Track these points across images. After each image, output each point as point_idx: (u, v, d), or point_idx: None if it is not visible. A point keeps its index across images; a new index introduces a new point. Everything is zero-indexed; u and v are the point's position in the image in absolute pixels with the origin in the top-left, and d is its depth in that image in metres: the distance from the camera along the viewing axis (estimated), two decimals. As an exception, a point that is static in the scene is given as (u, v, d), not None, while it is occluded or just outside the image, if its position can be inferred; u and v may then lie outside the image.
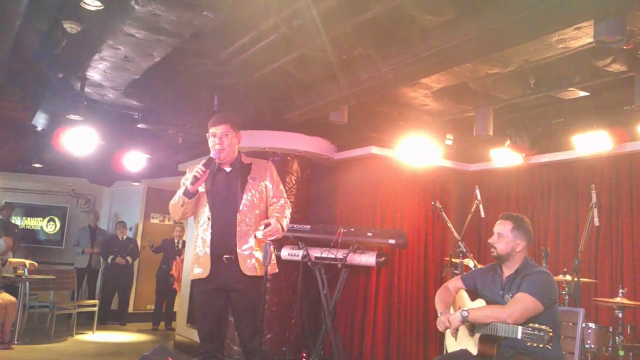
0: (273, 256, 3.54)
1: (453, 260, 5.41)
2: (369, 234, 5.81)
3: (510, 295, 3.28)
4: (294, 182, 6.58)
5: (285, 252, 6.10)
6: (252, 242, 3.48)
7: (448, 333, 3.47)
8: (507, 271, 3.43)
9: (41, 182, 10.99)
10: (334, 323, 5.88)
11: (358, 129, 6.30)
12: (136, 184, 10.03)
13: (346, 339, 6.40)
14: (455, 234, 5.21)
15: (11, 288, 7.36)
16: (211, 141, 3.56)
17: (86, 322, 8.49)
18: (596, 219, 4.83)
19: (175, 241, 9.38)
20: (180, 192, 3.49)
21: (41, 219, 11.25)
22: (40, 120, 5.99)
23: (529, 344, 2.94)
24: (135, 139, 7.13)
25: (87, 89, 5.62)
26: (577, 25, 3.57)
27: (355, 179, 6.78)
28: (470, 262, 5.08)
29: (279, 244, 5.99)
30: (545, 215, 6.50)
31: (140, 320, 9.77)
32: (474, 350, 3.22)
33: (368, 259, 5.80)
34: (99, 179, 10.24)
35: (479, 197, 5.39)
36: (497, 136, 5.68)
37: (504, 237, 3.41)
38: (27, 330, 7.66)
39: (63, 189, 11.23)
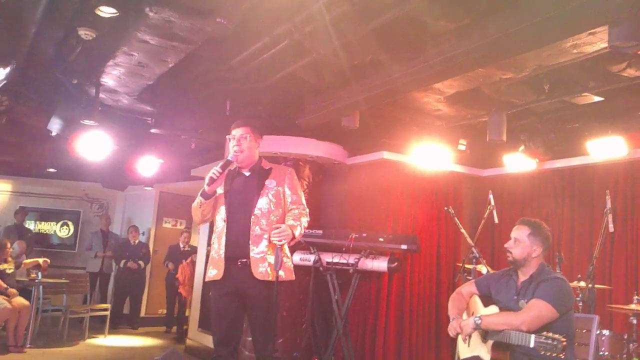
0: (290, 263, 3.55)
1: (466, 266, 5.37)
2: (381, 239, 5.80)
3: (525, 300, 3.25)
4: (305, 187, 6.57)
5: (297, 257, 6.10)
6: (265, 246, 3.48)
7: (460, 339, 3.46)
8: (522, 277, 3.41)
9: (55, 186, 11.09)
10: (345, 328, 5.87)
11: (370, 134, 6.28)
12: (149, 188, 10.06)
13: (358, 345, 6.38)
14: (469, 240, 5.18)
15: (24, 292, 7.42)
16: (231, 143, 3.60)
17: (98, 326, 8.53)
18: (611, 225, 4.78)
19: (181, 245, 9.38)
20: (199, 193, 3.56)
21: (55, 223, 11.36)
22: (54, 126, 6.04)
23: (542, 352, 2.91)
24: (148, 144, 7.17)
25: (101, 95, 5.67)
26: (592, 31, 3.53)
27: (367, 184, 6.77)
28: (483, 268, 5.06)
29: (291, 249, 5.99)
30: (559, 221, 6.44)
31: (152, 324, 9.80)
32: (486, 357, 3.21)
33: (380, 264, 5.79)
34: (112, 184, 10.30)
35: (492, 203, 5.36)
36: (511, 141, 5.62)
37: (520, 242, 3.38)
38: (40, 333, 7.72)
39: (77, 194, 11.34)
